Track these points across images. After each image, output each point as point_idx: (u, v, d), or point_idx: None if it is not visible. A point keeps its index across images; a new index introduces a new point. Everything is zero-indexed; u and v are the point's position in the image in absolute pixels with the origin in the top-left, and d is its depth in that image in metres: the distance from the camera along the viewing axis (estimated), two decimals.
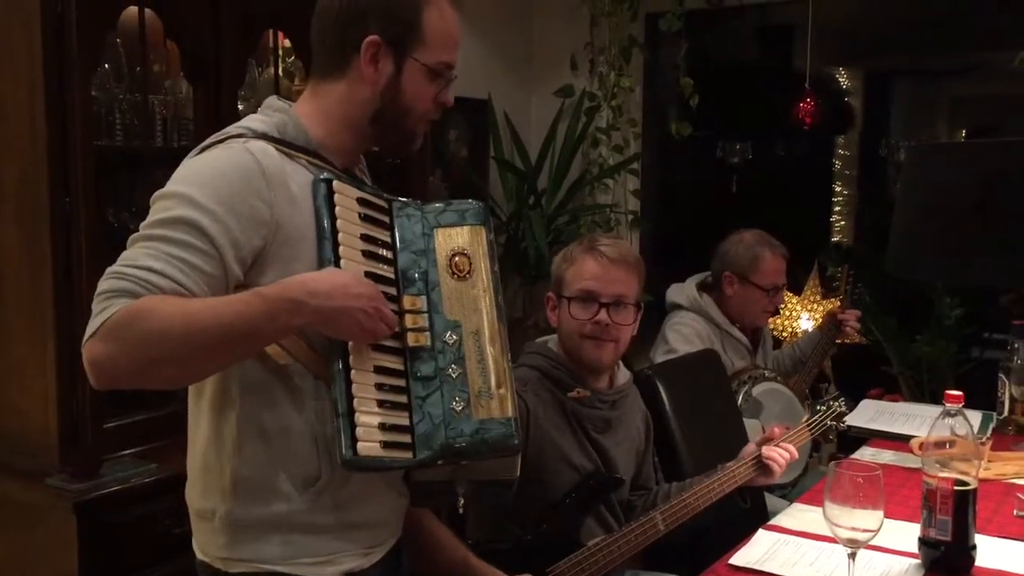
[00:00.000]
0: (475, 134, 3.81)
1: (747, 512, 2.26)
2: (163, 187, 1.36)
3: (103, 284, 1.27)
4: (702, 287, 3.01)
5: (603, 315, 2.03)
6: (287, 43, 2.59)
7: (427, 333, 1.41)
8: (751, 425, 2.74)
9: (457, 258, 1.47)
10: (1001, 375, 2.68)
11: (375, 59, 1.43)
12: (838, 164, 6.17)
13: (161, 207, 1.33)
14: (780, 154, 4.88)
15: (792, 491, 2.82)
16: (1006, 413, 2.67)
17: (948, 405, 1.79)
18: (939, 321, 3.60)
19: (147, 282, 1.25)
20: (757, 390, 2.88)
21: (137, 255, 1.28)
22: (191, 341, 1.24)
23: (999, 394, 2.70)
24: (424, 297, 1.43)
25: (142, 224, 1.33)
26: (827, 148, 5.67)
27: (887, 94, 6.72)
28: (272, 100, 1.52)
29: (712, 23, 4.14)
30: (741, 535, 1.94)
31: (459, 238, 1.48)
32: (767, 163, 4.56)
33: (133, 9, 2.16)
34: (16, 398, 2.10)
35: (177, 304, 1.25)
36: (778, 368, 3.16)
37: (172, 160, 2.29)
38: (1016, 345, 2.72)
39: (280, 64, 2.60)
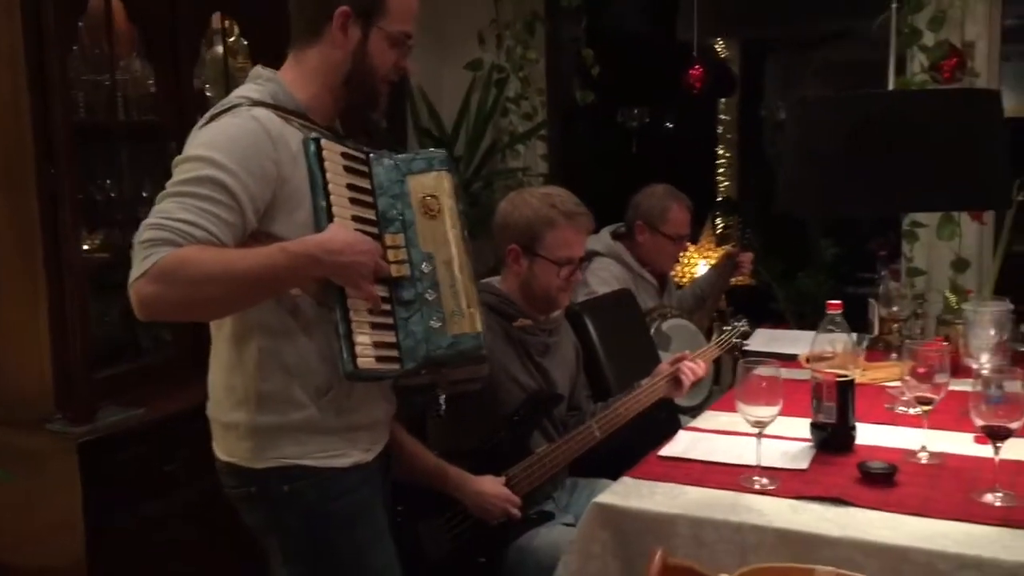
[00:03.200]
0: (393, 107, 4.05)
1: (663, 427, 2.62)
2: (180, 153, 1.60)
3: (145, 234, 1.50)
4: (615, 236, 3.36)
5: (577, 273, 2.36)
6: (232, 25, 2.79)
7: (407, 264, 1.69)
8: (662, 356, 3.11)
9: (428, 199, 1.74)
10: (871, 300, 3.10)
11: (345, 27, 1.69)
12: (720, 128, 6.64)
13: (187, 168, 1.56)
14: (672, 118, 5.27)
15: (699, 413, 3.20)
16: (876, 332, 3.10)
17: (830, 312, 2.19)
18: (817, 260, 4.06)
19: (186, 233, 1.49)
20: (666, 325, 3.24)
21: (172, 209, 1.52)
22: (228, 285, 1.50)
23: (870, 317, 3.13)
24: (402, 235, 1.70)
25: (169, 183, 1.56)
26: (712, 113, 6.13)
27: (762, 62, 7.23)
28: (259, 70, 1.77)
29: None
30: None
31: (428, 182, 1.75)
32: (661, 126, 4.94)
33: None
34: (11, 355, 2.27)
35: (215, 254, 1.50)
36: (682, 306, 3.53)
37: (132, 133, 2.53)
38: (883, 273, 3.16)
39: (226, 44, 2.80)
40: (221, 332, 1.71)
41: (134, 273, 1.48)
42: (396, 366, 1.64)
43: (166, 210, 1.52)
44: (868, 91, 2.65)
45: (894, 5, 2.38)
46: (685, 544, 1.80)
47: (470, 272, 1.74)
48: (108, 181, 2.58)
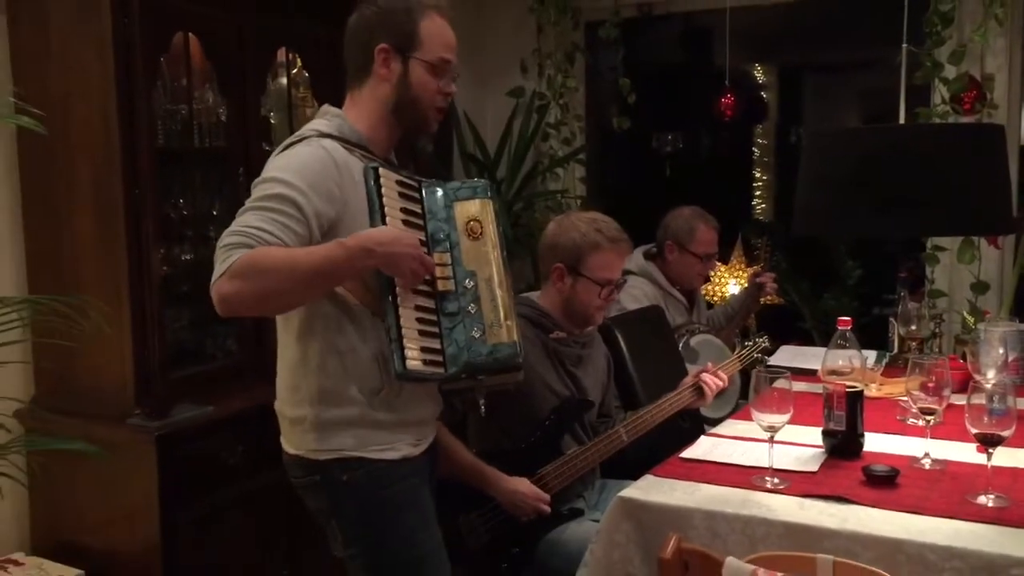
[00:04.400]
0: (440, 132, 4.26)
1: (687, 435, 2.80)
2: (261, 176, 1.83)
3: (225, 240, 1.72)
4: (647, 256, 3.56)
5: (615, 293, 2.60)
6: (296, 59, 3.05)
7: (451, 280, 1.89)
8: (690, 369, 3.29)
9: (472, 223, 1.95)
10: (891, 319, 3.26)
11: (387, 62, 1.92)
12: (757, 152, 6.80)
13: (264, 188, 1.80)
14: (705, 143, 5.45)
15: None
16: (896, 350, 3.26)
17: (840, 328, 2.37)
18: (843, 281, 4.21)
19: (258, 237, 1.71)
20: (694, 341, 3.43)
21: (249, 219, 1.74)
22: (293, 276, 1.72)
23: (890, 335, 3.29)
24: (448, 254, 1.91)
25: (248, 200, 1.79)
26: (747, 137, 6.30)
27: (798, 87, 7.38)
28: (327, 108, 2.00)
29: (643, 29, 4.67)
30: None
31: (473, 208, 1.96)
32: (695, 151, 5.13)
33: (180, 34, 2.62)
34: (96, 358, 2.52)
35: (282, 251, 1.72)
36: (712, 324, 3.72)
37: (204, 158, 2.79)
38: (902, 294, 3.31)
39: (289, 76, 3.05)
40: (289, 333, 1.92)
41: (215, 274, 1.70)
42: (440, 370, 1.84)
43: (244, 221, 1.75)
44: (875, 125, 2.82)
45: (905, 46, 2.55)
46: (700, 535, 1.99)
47: (508, 288, 1.94)
48: (181, 200, 2.83)
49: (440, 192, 1.96)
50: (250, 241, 1.71)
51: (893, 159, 2.30)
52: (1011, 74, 3.72)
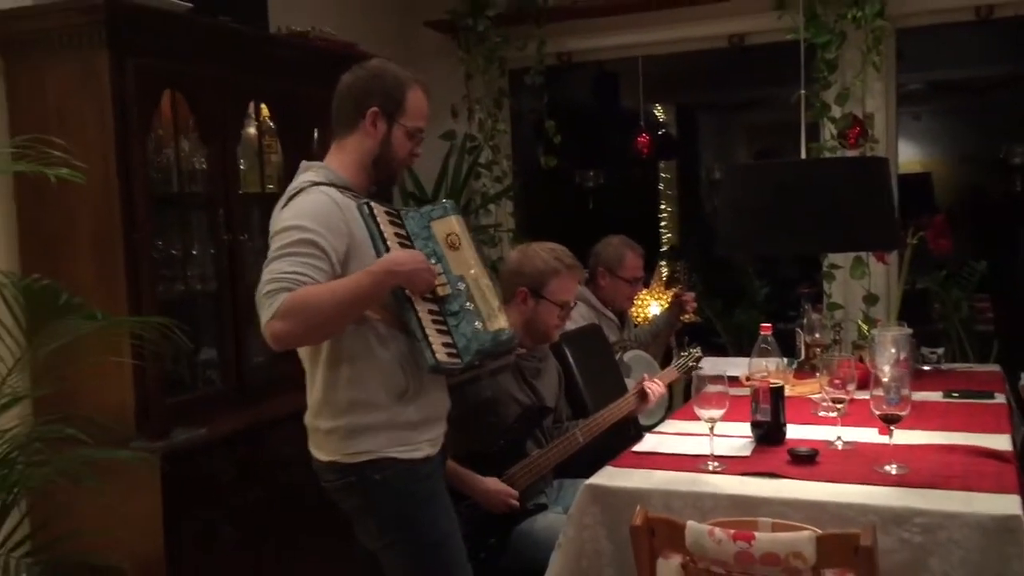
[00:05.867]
0: None
1: (632, 440, 3.14)
2: (278, 226, 2.10)
3: (265, 288, 2.00)
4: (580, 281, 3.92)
5: (570, 313, 2.98)
6: (263, 110, 3.33)
7: (447, 286, 2.20)
8: (625, 382, 3.67)
9: (450, 236, 2.26)
10: (797, 329, 3.70)
11: (375, 122, 2.24)
12: (662, 186, 7.32)
13: (283, 236, 2.08)
14: (621, 179, 5.92)
15: None
16: (802, 357, 3.69)
17: (762, 334, 2.78)
18: (751, 298, 4.67)
19: (295, 280, 2.00)
20: (627, 356, 3.81)
21: (281, 266, 2.03)
22: (335, 307, 2.02)
23: (797, 344, 3.72)
24: (439, 265, 2.21)
25: (272, 249, 2.06)
26: (655, 173, 6.81)
27: (695, 124, 7.97)
28: (306, 163, 2.29)
29: (564, 76, 5.10)
30: None
31: (448, 225, 2.27)
32: (613, 186, 5.57)
33: (168, 92, 2.89)
34: (97, 393, 2.72)
35: (321, 287, 2.02)
36: (639, 341, 4.10)
37: (186, 202, 3.05)
38: (806, 307, 3.77)
39: (259, 125, 3.33)
40: (317, 361, 2.20)
41: (265, 317, 1.99)
42: (458, 360, 2.16)
43: (277, 268, 2.03)
44: (784, 160, 3.26)
45: (802, 92, 3.00)
46: (658, 512, 2.31)
47: (490, 281, 2.28)
48: (160, 242, 3.06)
49: (417, 215, 2.27)
50: (289, 284, 1.99)
51: (799, 188, 2.71)
52: (888, 113, 4.26)
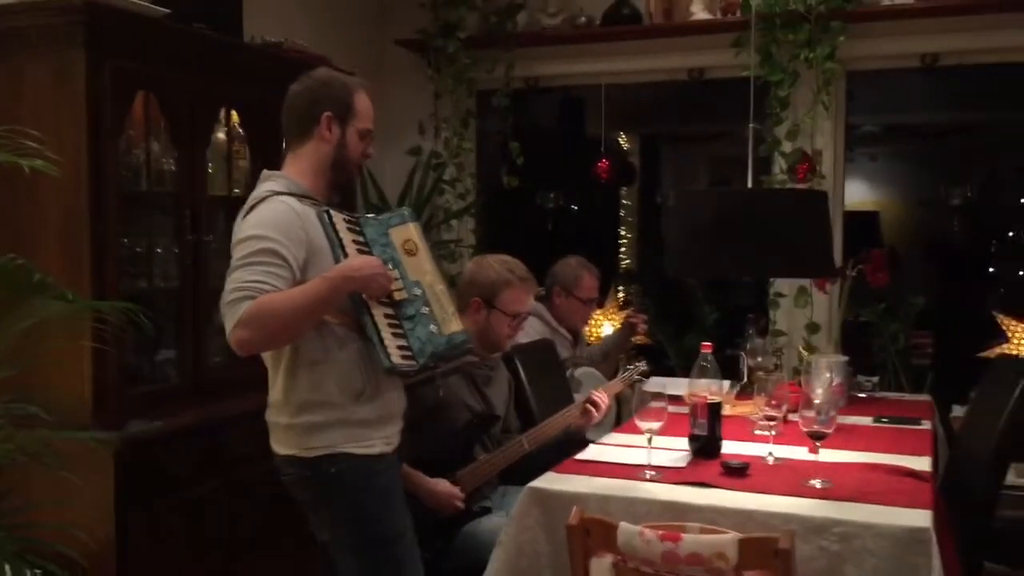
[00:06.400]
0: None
1: (577, 449, 3.26)
2: (240, 235, 2.20)
3: (228, 297, 2.11)
4: (537, 297, 4.03)
5: (522, 324, 3.09)
6: (233, 116, 3.43)
7: (404, 291, 2.32)
8: (575, 397, 3.79)
9: (407, 243, 2.39)
10: (742, 353, 3.84)
11: (329, 127, 2.35)
12: (623, 212, 7.50)
13: (246, 245, 2.17)
14: (580, 202, 6.07)
15: None
16: (745, 379, 3.83)
17: (703, 352, 2.91)
18: (701, 323, 4.83)
19: (257, 289, 2.10)
20: (578, 372, 3.94)
21: (243, 275, 2.13)
22: (295, 314, 2.13)
23: (740, 367, 3.87)
24: (396, 270, 2.33)
25: (235, 258, 2.16)
26: (615, 197, 6.98)
27: (658, 154, 8.18)
28: (267, 172, 2.39)
29: (530, 99, 5.25)
30: None
31: (405, 232, 2.39)
32: (571, 208, 5.73)
33: (142, 93, 2.98)
34: (56, 378, 2.78)
35: (281, 295, 2.12)
36: (591, 358, 4.23)
37: (153, 201, 3.14)
38: (750, 331, 3.92)
39: (229, 131, 3.43)
40: (279, 366, 2.30)
41: (228, 325, 2.10)
42: (413, 363, 2.27)
43: (239, 277, 2.13)
44: (729, 189, 3.40)
45: (752, 125, 3.15)
46: (595, 514, 2.44)
47: (445, 287, 2.40)
48: (125, 240, 3.13)
49: (376, 222, 2.39)
50: (251, 293, 2.10)
51: (744, 215, 2.86)
52: (836, 150, 4.45)
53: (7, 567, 1.93)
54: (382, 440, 2.36)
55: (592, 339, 4.69)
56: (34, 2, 2.82)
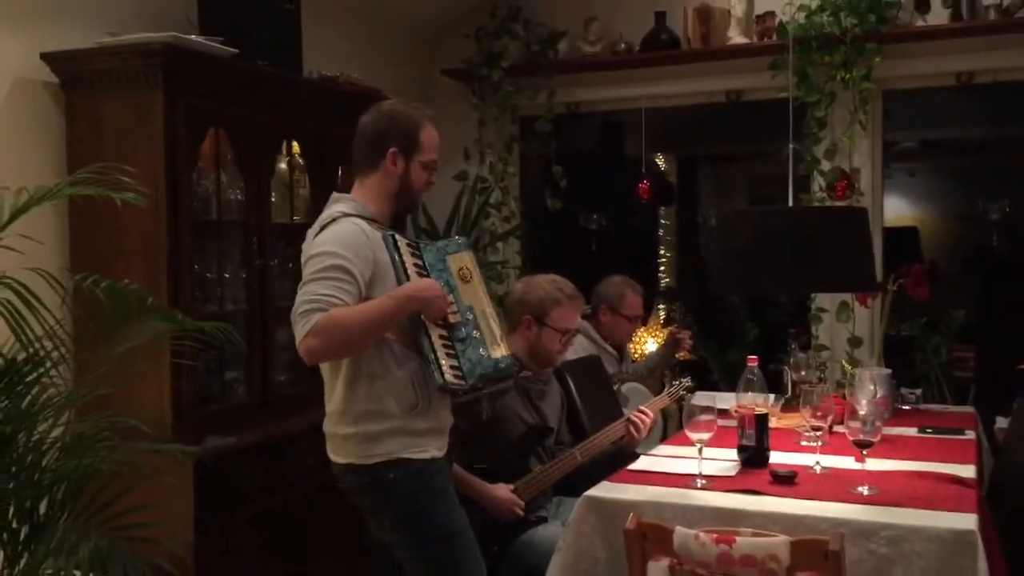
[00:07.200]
0: None
1: (627, 462, 3.37)
2: (312, 251, 2.35)
3: (300, 308, 2.27)
4: (583, 316, 4.17)
5: (572, 340, 3.23)
6: (295, 147, 3.61)
7: (458, 314, 2.47)
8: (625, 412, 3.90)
9: (463, 270, 2.54)
10: (785, 368, 3.93)
11: (395, 161, 2.51)
12: (661, 231, 7.62)
13: (317, 261, 2.33)
14: (623, 223, 6.20)
15: None
16: (789, 393, 3.92)
17: (749, 365, 3.02)
18: (743, 339, 4.93)
19: (328, 302, 2.26)
20: (624, 387, 4.06)
21: (315, 288, 2.29)
22: (363, 327, 2.29)
23: (784, 381, 3.96)
24: (452, 295, 2.48)
25: (307, 272, 2.32)
26: (655, 217, 7.11)
27: (695, 174, 8.28)
28: (337, 195, 2.55)
29: (571, 124, 5.40)
30: None
31: (461, 259, 2.56)
32: (615, 229, 5.85)
33: (213, 129, 3.18)
34: (139, 394, 2.95)
35: (350, 309, 2.28)
36: (636, 374, 4.34)
37: (223, 229, 3.32)
38: (792, 346, 4.01)
39: (290, 161, 3.61)
40: (337, 374, 2.45)
41: (299, 334, 2.25)
42: (463, 382, 2.42)
43: (311, 290, 2.29)
44: (773, 207, 3.52)
45: (791, 146, 3.28)
46: (650, 520, 2.56)
47: (496, 312, 2.55)
48: (196, 266, 3.31)
49: (434, 249, 2.55)
50: (322, 305, 2.26)
51: (786, 233, 2.98)
52: (874, 168, 4.54)
53: (129, 571, 2.08)
54: (435, 446, 2.51)
55: (636, 356, 4.80)
56: (115, 46, 3.02)
